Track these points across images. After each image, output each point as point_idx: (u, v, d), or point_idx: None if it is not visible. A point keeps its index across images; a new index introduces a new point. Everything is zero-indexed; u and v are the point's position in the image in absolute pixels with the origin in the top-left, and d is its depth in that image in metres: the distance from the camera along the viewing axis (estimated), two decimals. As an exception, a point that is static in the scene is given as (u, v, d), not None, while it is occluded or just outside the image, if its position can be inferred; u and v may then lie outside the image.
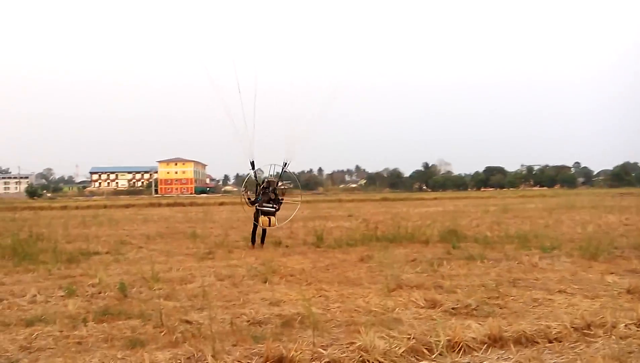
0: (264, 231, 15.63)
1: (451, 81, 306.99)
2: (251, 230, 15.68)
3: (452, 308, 7.43)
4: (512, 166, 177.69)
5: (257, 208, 15.16)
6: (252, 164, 15.46)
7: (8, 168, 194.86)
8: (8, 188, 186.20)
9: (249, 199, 15.64)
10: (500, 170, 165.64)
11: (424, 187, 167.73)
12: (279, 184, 15.55)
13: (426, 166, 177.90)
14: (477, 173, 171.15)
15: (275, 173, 15.64)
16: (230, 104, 14.65)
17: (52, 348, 5.94)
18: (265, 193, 15.22)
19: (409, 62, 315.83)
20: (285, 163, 15.66)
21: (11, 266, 12.02)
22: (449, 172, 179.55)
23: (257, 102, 14.38)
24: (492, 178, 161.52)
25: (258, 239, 15.50)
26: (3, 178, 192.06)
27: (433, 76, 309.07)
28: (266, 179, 15.67)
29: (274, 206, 15.22)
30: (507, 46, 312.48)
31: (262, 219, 15.05)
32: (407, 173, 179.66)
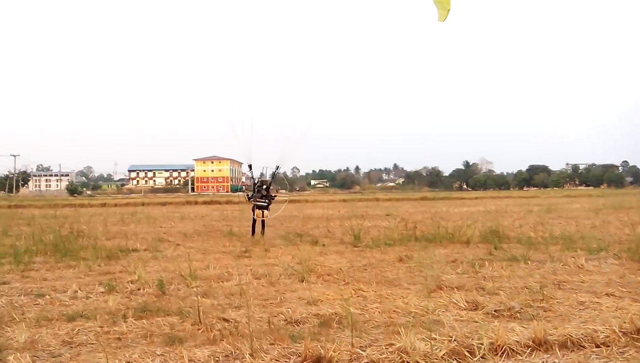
0: (263, 222, 17.90)
1: (492, 76, 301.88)
2: (251, 223, 18.23)
3: (495, 311, 7.30)
4: (556, 164, 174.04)
5: (253, 202, 17.75)
6: (250, 166, 18.27)
7: (49, 166, 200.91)
8: (49, 185, 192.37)
9: (246, 195, 18.37)
10: (544, 169, 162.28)
11: (465, 186, 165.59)
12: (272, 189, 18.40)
13: (467, 164, 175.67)
14: (519, 171, 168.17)
15: (269, 174, 18.28)
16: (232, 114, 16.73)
17: (92, 344, 6.08)
18: (259, 191, 17.71)
19: (449, 56, 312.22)
20: (278, 166, 18.21)
21: (53, 262, 12.39)
22: (490, 171, 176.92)
23: (256, 112, 16.42)
24: (535, 177, 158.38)
25: (258, 229, 17.91)
26: (45, 175, 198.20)
27: (474, 70, 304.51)
28: (260, 179, 18.29)
29: (266, 201, 17.69)
30: (555, 35, 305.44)
31: (257, 212, 17.66)
32: (446, 171, 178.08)
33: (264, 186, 17.76)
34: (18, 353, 5.52)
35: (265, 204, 17.68)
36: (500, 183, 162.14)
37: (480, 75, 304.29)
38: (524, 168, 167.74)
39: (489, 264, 11.26)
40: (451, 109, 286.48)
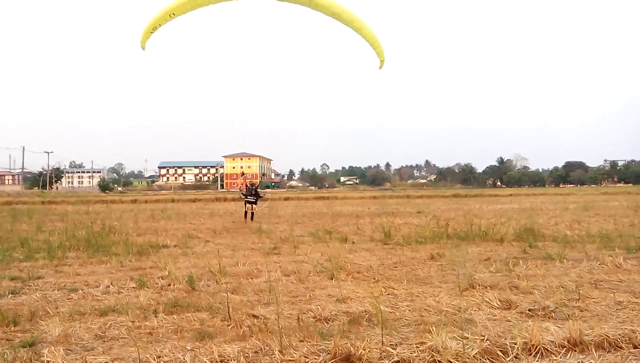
0: (252, 214, 24.13)
1: (528, 70, 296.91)
2: (243, 212, 24.69)
3: (529, 310, 7.21)
4: (594, 161, 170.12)
5: (244, 199, 24.34)
6: (242, 173, 27.72)
7: (82, 163, 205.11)
8: (82, 181, 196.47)
9: (241, 193, 25.13)
10: (581, 165, 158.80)
11: (498, 183, 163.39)
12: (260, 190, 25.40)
13: (501, 161, 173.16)
14: (555, 168, 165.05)
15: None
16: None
17: (124, 338, 6.22)
18: (249, 190, 24.27)
19: (483, 50, 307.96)
20: (264, 174, 32.15)
21: (85, 258, 12.68)
22: (525, 167, 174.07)
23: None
24: (572, 174, 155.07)
25: (249, 216, 24.10)
26: (77, 172, 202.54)
27: (509, 64, 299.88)
28: (250, 181, 26.61)
29: (254, 198, 24.12)
30: (593, 31, 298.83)
31: (247, 206, 24.23)
32: (480, 168, 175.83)
33: (254, 188, 24.55)
34: (52, 347, 5.67)
35: (254, 201, 24.12)
36: (535, 179, 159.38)
37: (515, 69, 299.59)
38: (560, 165, 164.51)
39: (523, 262, 11.11)
40: (485, 104, 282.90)
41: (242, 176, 26.96)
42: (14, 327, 6.71)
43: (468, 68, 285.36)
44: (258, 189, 24.87)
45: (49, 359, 5.33)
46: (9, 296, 8.54)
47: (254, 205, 24.14)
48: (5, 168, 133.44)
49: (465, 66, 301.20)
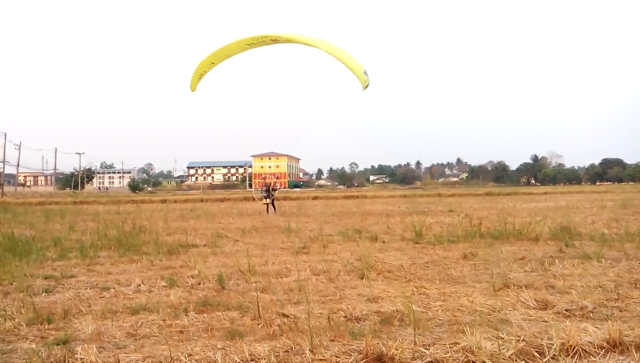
0: (267, 206, 30.03)
1: (563, 65, 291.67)
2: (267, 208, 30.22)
3: (566, 310, 7.08)
4: (632, 158, 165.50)
5: (262, 195, 30.42)
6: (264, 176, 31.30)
7: (112, 163, 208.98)
8: (112, 182, 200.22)
9: (260, 192, 31.15)
10: (618, 162, 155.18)
11: (533, 181, 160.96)
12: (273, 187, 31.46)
13: (535, 158, 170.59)
14: (592, 165, 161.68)
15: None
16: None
17: (156, 336, 6.31)
18: (266, 190, 30.30)
19: (516, 44, 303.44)
20: (277, 176, 37.76)
21: (117, 257, 12.91)
22: (560, 165, 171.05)
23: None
24: (609, 171, 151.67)
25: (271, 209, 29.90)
26: (108, 172, 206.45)
27: (544, 59, 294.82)
28: (266, 181, 34.28)
29: (269, 195, 30.08)
30: (626, 27, 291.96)
31: (264, 200, 30.13)
32: (513, 166, 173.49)
33: (270, 188, 30.62)
34: (85, 345, 5.78)
35: (266, 196, 30.10)
36: (571, 177, 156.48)
37: (550, 64, 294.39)
38: (596, 162, 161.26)
39: (559, 262, 10.92)
40: (518, 100, 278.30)
41: (276, 178, 32.92)
42: (48, 324, 6.86)
43: (501, 64, 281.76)
44: (271, 189, 30.68)
45: (82, 357, 5.43)
46: (43, 295, 8.74)
47: (267, 199, 30.12)
48: (38, 169, 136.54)
49: (498, 62, 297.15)
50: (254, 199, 31.27)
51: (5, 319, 6.99)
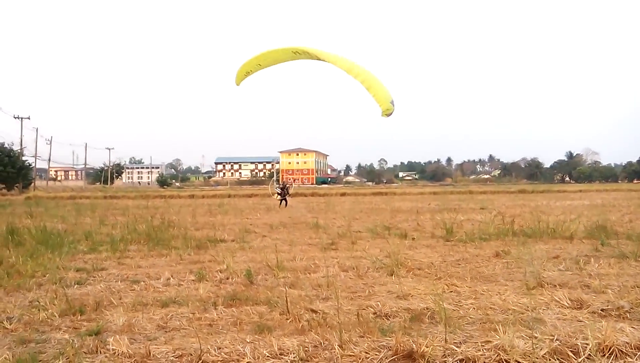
0: (281, 201, 33.41)
1: (597, 59, 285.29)
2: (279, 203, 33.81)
3: (602, 310, 6.96)
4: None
5: (277, 192, 34.18)
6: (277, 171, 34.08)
7: (141, 159, 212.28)
8: (141, 177, 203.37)
9: (275, 188, 36.12)
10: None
11: (567, 179, 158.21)
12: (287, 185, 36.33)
13: (570, 155, 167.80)
14: (629, 163, 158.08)
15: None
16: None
17: (185, 329, 6.41)
18: (282, 188, 34.30)
19: (553, 35, 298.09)
20: (294, 179, 46.73)
21: (146, 251, 13.12)
22: (596, 162, 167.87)
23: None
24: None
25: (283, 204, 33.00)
26: (137, 168, 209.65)
27: (578, 53, 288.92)
28: (283, 182, 42.71)
29: (283, 193, 33.93)
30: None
31: (277, 196, 34.09)
32: (547, 163, 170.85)
33: (284, 186, 34.79)
34: (117, 335, 5.92)
35: (280, 192, 34.03)
36: (607, 175, 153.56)
37: (588, 58, 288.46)
38: (634, 159, 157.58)
39: (594, 261, 10.72)
40: (552, 95, 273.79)
41: (293, 180, 37.21)
42: (80, 315, 7.03)
43: (537, 58, 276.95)
44: (287, 185, 35.92)
45: (114, 347, 5.55)
46: (75, 287, 8.94)
47: (279, 196, 34.15)
48: (69, 164, 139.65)
49: (534, 56, 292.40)
50: (270, 194, 34.80)
51: (38, 310, 7.19)
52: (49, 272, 9.96)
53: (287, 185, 35.06)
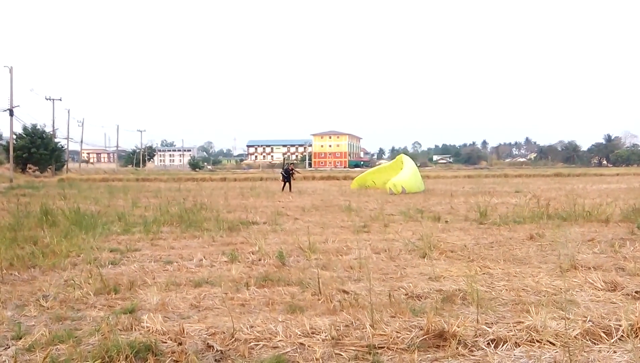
0: (284, 184, 34.02)
1: (635, 38, 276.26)
2: (282, 186, 34.13)
3: (636, 292, 6.90)
4: None
5: (282, 175, 34.83)
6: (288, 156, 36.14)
7: (173, 141, 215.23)
8: (173, 160, 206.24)
9: (282, 173, 35.97)
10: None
11: (604, 162, 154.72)
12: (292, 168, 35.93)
13: (608, 138, 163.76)
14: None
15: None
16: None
17: (218, 308, 6.56)
18: (286, 172, 34.47)
19: (591, 15, 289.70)
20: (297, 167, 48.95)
21: (179, 232, 13.36)
22: (635, 145, 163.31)
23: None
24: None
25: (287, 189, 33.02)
26: (169, 150, 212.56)
27: (620, 33, 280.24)
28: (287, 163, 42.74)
29: (286, 177, 34.19)
30: None
31: (283, 182, 34.21)
32: (584, 146, 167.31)
33: (289, 170, 34.74)
34: (151, 313, 6.09)
35: (284, 176, 34.52)
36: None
37: (625, 40, 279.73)
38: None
39: (630, 244, 10.56)
40: (591, 77, 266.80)
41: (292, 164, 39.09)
42: (115, 294, 7.23)
43: (575, 40, 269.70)
44: (292, 170, 35.42)
45: (148, 325, 5.71)
46: (109, 267, 9.19)
47: (286, 181, 34.08)
48: (101, 146, 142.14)
49: (571, 39, 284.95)
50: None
51: (74, 288, 7.41)
52: (84, 252, 10.23)
53: (291, 171, 34.92)
